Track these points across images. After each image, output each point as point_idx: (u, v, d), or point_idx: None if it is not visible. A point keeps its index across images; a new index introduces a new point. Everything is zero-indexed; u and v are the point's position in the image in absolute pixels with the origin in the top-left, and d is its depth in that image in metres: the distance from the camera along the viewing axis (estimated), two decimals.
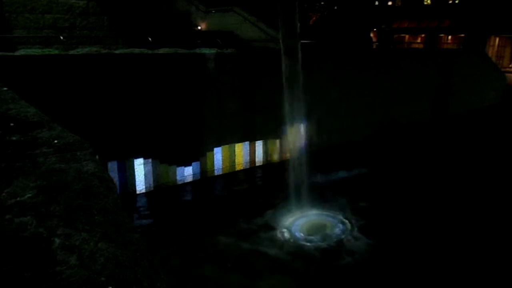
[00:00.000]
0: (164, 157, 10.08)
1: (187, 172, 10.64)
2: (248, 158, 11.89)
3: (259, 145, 12.06)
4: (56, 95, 8.19)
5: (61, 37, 11.13)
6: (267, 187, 10.69)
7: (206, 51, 10.69)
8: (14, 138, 1.96)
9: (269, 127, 11.99)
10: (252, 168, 11.95)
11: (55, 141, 1.94)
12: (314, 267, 6.91)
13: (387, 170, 12.02)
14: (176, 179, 10.44)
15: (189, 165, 10.64)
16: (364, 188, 10.46)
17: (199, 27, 18.28)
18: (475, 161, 13.00)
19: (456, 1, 39.87)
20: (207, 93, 10.61)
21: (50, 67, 8.24)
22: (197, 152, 10.75)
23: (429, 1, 42.26)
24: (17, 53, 8.25)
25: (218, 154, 11.22)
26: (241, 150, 11.67)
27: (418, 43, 40.41)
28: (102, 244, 1.09)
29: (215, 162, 11.19)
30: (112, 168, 9.21)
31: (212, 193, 10.47)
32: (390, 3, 44.66)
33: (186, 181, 10.64)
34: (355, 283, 6.58)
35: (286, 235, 7.97)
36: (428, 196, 9.97)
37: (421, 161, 12.90)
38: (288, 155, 11.98)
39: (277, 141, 12.35)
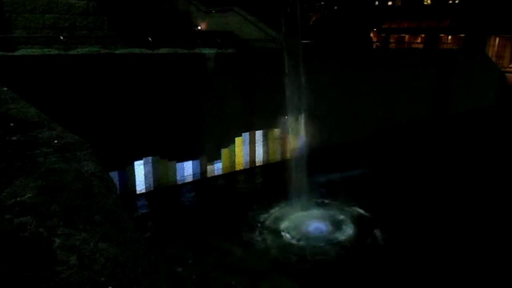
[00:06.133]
0: (164, 156, 10.07)
1: (187, 172, 10.63)
2: (248, 158, 11.88)
3: (259, 145, 12.05)
4: (56, 95, 8.19)
5: (61, 37, 11.10)
6: (267, 187, 10.68)
7: (206, 51, 10.69)
8: (14, 138, 1.96)
9: (269, 127, 11.98)
10: (252, 168, 11.94)
11: (55, 141, 1.93)
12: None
13: (386, 169, 12.02)
14: (176, 179, 10.44)
15: (189, 163, 10.63)
16: (364, 188, 10.46)
17: (199, 27, 18.27)
18: (475, 160, 12.98)
19: (456, 1, 39.83)
20: (207, 93, 10.61)
21: (50, 67, 8.24)
22: (196, 151, 10.74)
23: (429, 1, 42.20)
24: (17, 53, 8.25)
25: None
26: (241, 150, 11.66)
27: (418, 43, 40.33)
28: (102, 244, 1.09)
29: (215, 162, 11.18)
30: None
31: (212, 193, 10.46)
32: (390, 3, 44.61)
33: (186, 181, 10.63)
34: None
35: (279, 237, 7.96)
36: (427, 195, 9.97)
37: (421, 161, 12.89)
38: (288, 155, 11.97)
39: (277, 141, 12.34)
